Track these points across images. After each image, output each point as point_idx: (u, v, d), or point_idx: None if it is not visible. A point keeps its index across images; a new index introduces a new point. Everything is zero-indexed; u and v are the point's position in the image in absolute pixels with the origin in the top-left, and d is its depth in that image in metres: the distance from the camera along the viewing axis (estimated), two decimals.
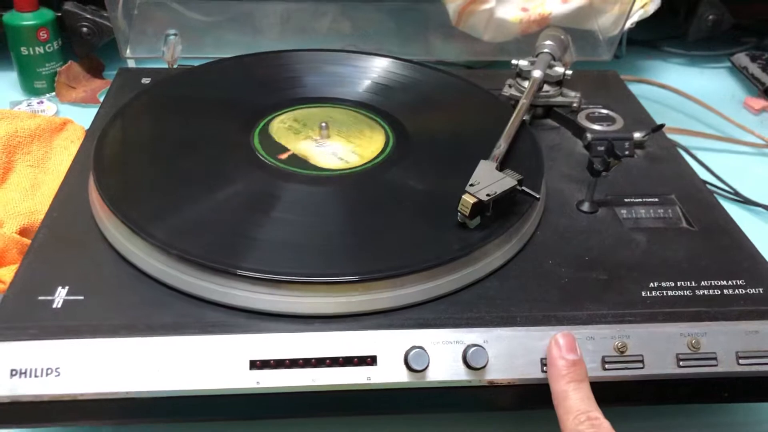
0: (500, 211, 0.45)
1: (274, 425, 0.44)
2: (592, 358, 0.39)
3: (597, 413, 0.36)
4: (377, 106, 0.59)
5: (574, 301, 0.42)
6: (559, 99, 0.61)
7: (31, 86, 0.78)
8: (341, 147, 0.53)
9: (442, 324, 0.40)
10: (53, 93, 0.78)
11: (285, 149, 0.52)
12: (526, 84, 0.61)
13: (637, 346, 0.40)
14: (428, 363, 0.39)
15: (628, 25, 0.79)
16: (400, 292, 0.41)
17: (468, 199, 0.43)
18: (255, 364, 0.38)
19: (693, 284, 0.44)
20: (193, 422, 0.42)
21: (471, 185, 0.44)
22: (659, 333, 0.40)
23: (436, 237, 0.44)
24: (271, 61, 0.65)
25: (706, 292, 0.43)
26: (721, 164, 0.68)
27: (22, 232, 0.53)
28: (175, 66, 0.71)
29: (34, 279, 0.41)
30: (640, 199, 0.51)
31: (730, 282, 0.44)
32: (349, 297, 0.40)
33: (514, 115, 0.54)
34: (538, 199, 0.46)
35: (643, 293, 0.43)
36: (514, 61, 0.63)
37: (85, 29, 0.78)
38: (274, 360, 0.38)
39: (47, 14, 0.76)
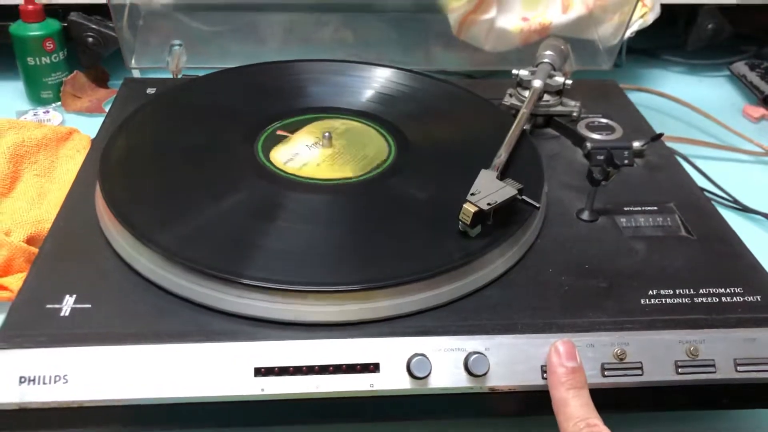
0: (501, 220, 0.46)
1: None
2: (592, 365, 0.40)
3: (596, 420, 0.37)
4: (379, 116, 0.60)
5: (574, 308, 0.43)
6: (559, 108, 0.62)
7: (37, 96, 0.79)
8: (343, 156, 0.54)
9: (444, 331, 0.41)
10: (59, 102, 0.79)
11: (289, 160, 0.53)
12: (526, 93, 0.62)
13: (636, 353, 0.40)
14: (430, 370, 0.39)
15: (627, 34, 0.79)
16: (402, 300, 0.41)
17: (469, 208, 0.44)
18: (260, 372, 0.38)
19: (691, 292, 0.44)
20: (199, 429, 0.42)
21: (472, 194, 0.45)
22: (658, 340, 0.41)
23: (437, 245, 0.45)
24: (274, 71, 0.66)
25: (704, 299, 0.44)
26: (720, 172, 0.69)
27: (29, 240, 0.54)
28: (179, 76, 0.72)
29: (43, 287, 0.42)
30: (639, 208, 0.52)
31: (728, 290, 0.44)
32: (352, 305, 0.41)
33: (514, 124, 0.55)
34: (538, 208, 0.46)
35: (643, 301, 0.43)
36: (514, 71, 0.63)
37: (90, 40, 0.79)
38: (278, 367, 0.39)
39: (53, 25, 0.77)
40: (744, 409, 0.47)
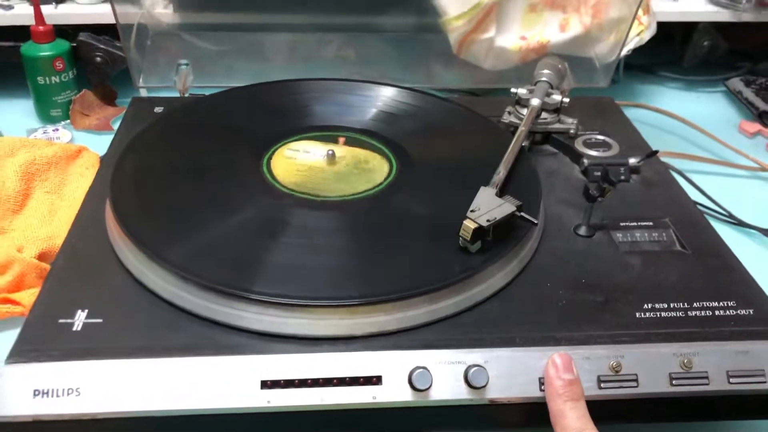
0: (500, 236, 0.47)
1: None
2: (588, 377, 0.41)
3: (593, 431, 0.38)
4: (381, 134, 0.61)
5: (571, 322, 0.44)
6: (557, 126, 0.64)
7: (47, 114, 0.81)
8: (346, 173, 0.55)
9: (445, 345, 0.42)
10: (68, 120, 0.81)
11: (292, 175, 0.54)
12: (524, 111, 0.63)
13: (631, 366, 0.42)
14: (431, 382, 0.40)
15: (624, 52, 0.81)
16: (404, 314, 0.43)
17: (469, 225, 0.45)
18: (266, 384, 0.40)
19: (686, 305, 0.45)
20: None
21: (472, 211, 0.46)
22: (653, 353, 0.42)
23: (438, 261, 0.46)
24: (278, 90, 0.67)
25: (698, 313, 0.45)
26: (716, 187, 0.70)
27: (41, 256, 0.55)
28: (186, 95, 0.73)
29: (55, 303, 0.43)
30: (635, 223, 0.53)
31: (721, 303, 0.46)
32: (355, 319, 0.42)
33: (513, 142, 0.56)
34: (536, 224, 0.48)
35: (638, 314, 0.45)
36: (513, 90, 0.65)
37: (99, 59, 0.81)
38: (284, 380, 0.40)
39: (63, 45, 0.79)
40: (737, 420, 0.48)
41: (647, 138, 0.67)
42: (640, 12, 0.81)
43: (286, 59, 0.84)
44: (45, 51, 0.78)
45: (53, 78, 0.79)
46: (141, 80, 0.76)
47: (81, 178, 0.65)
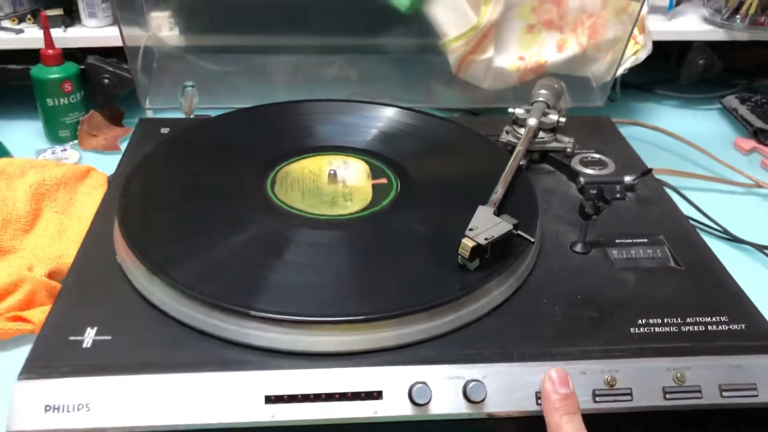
0: (498, 253, 0.48)
1: None
2: (584, 391, 0.42)
3: None
4: (382, 153, 0.63)
5: (567, 337, 0.45)
6: (554, 145, 0.65)
7: (55, 135, 0.82)
8: (347, 193, 0.57)
9: (444, 360, 0.43)
10: (76, 141, 0.82)
11: (296, 195, 0.56)
12: (522, 131, 0.65)
13: (625, 380, 0.43)
14: (431, 397, 0.41)
15: (620, 71, 0.83)
16: (404, 330, 0.44)
17: (467, 243, 0.46)
18: (270, 399, 0.41)
19: (679, 321, 0.47)
20: None
21: (470, 230, 0.48)
22: (647, 367, 0.43)
23: (437, 278, 0.47)
24: (282, 111, 0.69)
25: (691, 328, 0.46)
26: (712, 203, 0.71)
27: (51, 275, 0.57)
28: (192, 116, 0.75)
29: (65, 320, 0.45)
30: (630, 240, 0.55)
31: (713, 318, 0.47)
32: (356, 335, 0.43)
33: (510, 161, 0.58)
34: (532, 242, 0.49)
35: (632, 330, 0.46)
36: (510, 110, 0.66)
37: (106, 81, 0.83)
38: (287, 395, 0.41)
39: (72, 68, 0.81)
40: None
41: (644, 155, 0.68)
42: (636, 32, 0.83)
43: (289, 80, 0.86)
44: (54, 74, 0.79)
45: (62, 100, 0.81)
46: (148, 102, 0.78)
47: (89, 198, 0.66)
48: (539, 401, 0.42)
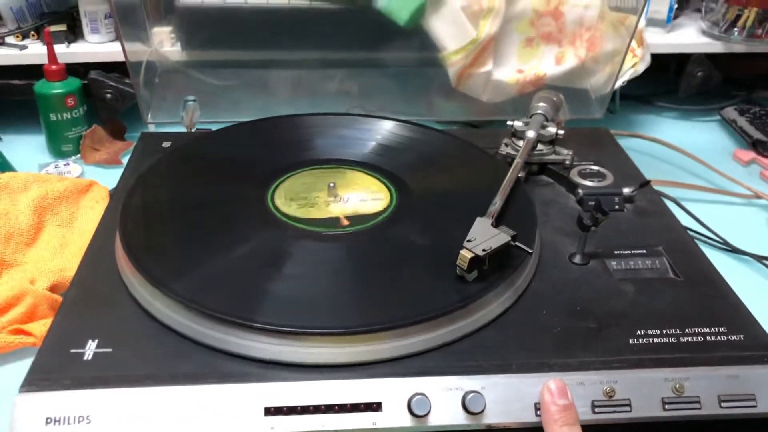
0: (496, 265, 0.48)
1: None
2: (583, 402, 0.42)
3: None
4: (381, 166, 0.63)
5: (565, 349, 0.45)
6: (553, 157, 0.65)
7: (58, 149, 0.83)
8: (346, 205, 0.57)
9: (443, 372, 0.43)
10: (79, 155, 0.83)
11: (296, 208, 0.56)
12: (520, 143, 0.65)
13: (624, 391, 0.43)
14: (430, 409, 0.41)
15: (619, 83, 0.83)
16: (403, 342, 0.44)
17: (465, 254, 0.47)
18: (269, 411, 0.41)
19: (678, 332, 0.47)
20: None
21: (468, 241, 0.48)
22: (645, 378, 0.43)
23: (436, 289, 0.48)
24: (283, 124, 0.69)
25: (690, 339, 0.46)
26: (711, 215, 0.71)
27: (53, 288, 0.57)
28: (193, 130, 0.75)
29: (67, 333, 0.45)
30: (629, 251, 0.55)
31: (712, 329, 0.47)
32: (356, 347, 0.43)
33: (509, 173, 0.58)
34: (530, 253, 0.49)
35: (631, 341, 0.46)
36: (509, 122, 0.67)
37: (109, 96, 0.84)
38: (287, 407, 0.41)
39: (75, 83, 0.82)
40: None
41: (643, 167, 0.68)
42: (634, 44, 0.84)
43: (290, 94, 0.87)
44: (57, 89, 0.80)
45: (65, 114, 0.81)
46: (149, 116, 0.79)
47: (91, 211, 0.67)
48: (538, 412, 0.42)
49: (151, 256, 0.49)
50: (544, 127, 0.66)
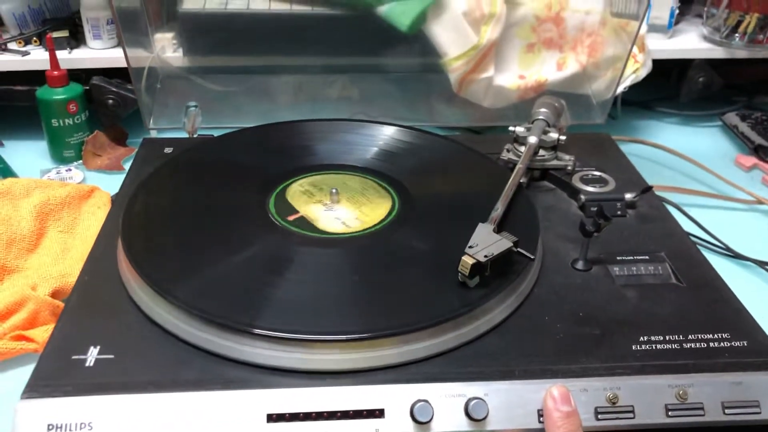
0: (499, 270, 0.48)
1: None
2: (586, 408, 0.42)
3: None
4: (384, 172, 0.63)
5: (568, 355, 0.45)
6: (554, 162, 0.65)
7: (60, 155, 0.83)
8: (347, 212, 0.57)
9: (446, 378, 0.43)
10: (80, 161, 0.83)
11: (296, 213, 0.56)
12: (522, 149, 0.65)
13: (627, 397, 0.43)
14: (432, 415, 0.41)
15: (620, 89, 0.83)
16: (405, 348, 0.44)
17: (467, 260, 0.47)
18: (272, 418, 0.41)
19: (681, 338, 0.47)
20: None
21: (470, 247, 0.48)
22: (648, 384, 0.43)
23: (439, 296, 0.48)
24: (284, 130, 0.70)
25: (693, 345, 0.46)
26: (712, 220, 0.71)
27: (54, 294, 0.57)
28: (195, 135, 0.75)
29: (68, 339, 0.45)
30: (631, 257, 0.55)
31: (715, 335, 0.47)
32: (358, 354, 0.43)
33: (510, 179, 0.58)
34: (532, 259, 0.49)
35: (634, 347, 0.46)
36: (511, 128, 0.67)
37: (111, 101, 0.84)
38: (289, 413, 0.41)
39: (77, 89, 0.82)
40: None
41: (645, 172, 0.68)
42: (636, 50, 0.84)
43: (292, 99, 0.87)
44: (59, 95, 0.80)
45: (67, 120, 0.81)
46: (151, 122, 0.79)
47: (93, 217, 0.67)
48: (541, 419, 0.42)
49: (153, 261, 0.49)
50: (545, 132, 0.66)
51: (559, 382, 0.43)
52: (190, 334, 0.45)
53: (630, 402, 0.42)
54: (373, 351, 0.43)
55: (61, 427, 0.40)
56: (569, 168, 0.65)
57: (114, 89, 0.84)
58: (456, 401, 0.42)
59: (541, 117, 0.68)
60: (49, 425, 0.40)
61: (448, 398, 0.42)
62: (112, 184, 0.72)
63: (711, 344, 0.46)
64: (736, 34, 0.91)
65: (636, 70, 0.85)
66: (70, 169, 0.81)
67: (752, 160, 0.86)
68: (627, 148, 0.77)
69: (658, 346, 0.46)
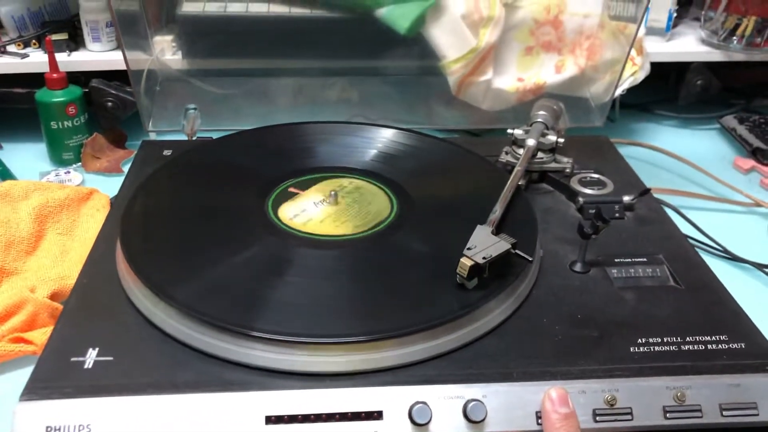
0: (498, 272, 0.48)
1: None
2: (584, 410, 0.42)
3: None
4: (382, 174, 0.63)
5: (567, 357, 0.45)
6: (553, 165, 0.66)
7: (59, 157, 0.83)
8: (348, 213, 0.57)
9: (444, 380, 0.43)
10: (79, 163, 0.83)
11: (295, 216, 0.56)
12: (521, 151, 0.65)
13: (625, 399, 0.43)
14: (431, 417, 0.41)
15: (618, 92, 0.84)
16: (404, 350, 0.44)
17: (465, 262, 0.47)
18: (270, 420, 0.41)
19: (679, 340, 0.47)
20: None
21: (468, 249, 0.48)
22: (647, 386, 0.43)
23: (437, 297, 0.48)
24: (283, 132, 0.70)
25: (691, 347, 0.46)
26: (711, 223, 0.72)
27: (53, 296, 0.57)
28: (194, 138, 0.75)
29: (67, 341, 0.45)
30: (629, 259, 0.55)
31: (713, 337, 0.47)
32: (356, 356, 0.43)
33: (509, 181, 0.58)
34: (530, 261, 0.49)
35: (632, 349, 0.46)
36: (509, 130, 0.67)
37: (110, 104, 0.84)
38: (287, 415, 0.41)
39: (76, 91, 0.82)
40: None
41: (643, 175, 0.68)
42: (634, 53, 0.84)
43: (291, 102, 0.87)
44: (58, 97, 0.80)
45: (66, 123, 0.81)
46: (150, 124, 0.79)
47: (92, 220, 0.67)
48: (539, 421, 0.42)
49: (151, 264, 0.49)
50: (544, 135, 0.66)
51: (558, 384, 0.43)
52: (188, 336, 0.45)
53: (628, 404, 0.42)
54: (372, 353, 0.43)
55: (59, 429, 0.40)
56: (567, 170, 0.65)
57: (113, 92, 0.84)
58: (454, 403, 0.42)
59: (539, 119, 0.68)
60: (47, 427, 0.40)
61: (446, 400, 0.42)
62: (111, 186, 0.72)
63: (709, 346, 0.46)
64: (734, 37, 0.91)
65: (634, 73, 0.85)
66: (69, 172, 0.81)
67: (750, 162, 0.86)
68: (625, 151, 0.77)
69: (656, 348, 0.46)
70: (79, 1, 0.85)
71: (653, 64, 0.87)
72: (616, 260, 0.55)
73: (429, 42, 0.81)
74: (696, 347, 0.46)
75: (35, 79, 0.82)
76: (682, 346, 0.46)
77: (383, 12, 0.80)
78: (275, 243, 0.53)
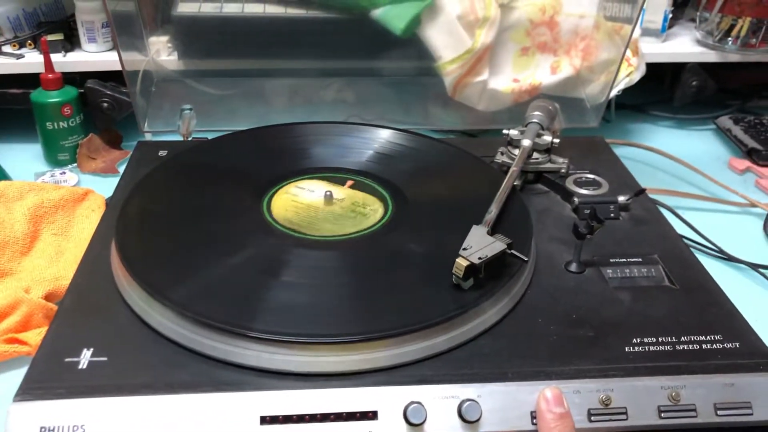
0: (493, 273, 0.48)
1: None
2: (579, 410, 0.42)
3: None
4: (378, 174, 0.63)
5: (561, 357, 0.45)
6: (548, 165, 0.66)
7: (54, 158, 0.83)
8: (342, 214, 0.57)
9: (439, 380, 0.43)
10: (75, 164, 0.83)
11: (291, 216, 0.56)
12: (516, 152, 0.65)
13: (620, 399, 0.43)
14: (426, 417, 0.41)
15: (614, 92, 0.84)
16: (399, 350, 0.44)
17: (461, 263, 0.47)
18: (265, 420, 0.41)
19: (673, 339, 0.47)
20: None
21: (464, 249, 0.48)
22: (641, 386, 0.43)
23: (432, 298, 0.48)
24: (279, 133, 0.70)
25: (685, 347, 0.46)
26: (706, 223, 0.72)
27: (48, 297, 0.57)
28: (189, 139, 0.75)
29: (61, 342, 0.45)
30: (624, 260, 0.55)
31: (708, 337, 0.47)
32: (351, 356, 0.43)
33: (504, 181, 0.58)
34: (526, 261, 0.49)
35: (627, 349, 0.46)
36: (505, 131, 0.67)
37: (105, 104, 0.84)
38: (282, 416, 0.41)
39: (71, 92, 0.82)
40: None
41: (638, 175, 0.69)
42: (629, 54, 0.84)
43: (287, 103, 0.87)
44: (54, 98, 0.80)
45: (61, 123, 0.81)
46: (146, 125, 0.79)
47: (87, 220, 0.67)
48: (534, 420, 0.42)
49: (146, 264, 0.49)
50: (539, 135, 0.66)
51: (553, 384, 0.43)
52: (183, 336, 0.45)
53: (623, 403, 0.43)
54: (367, 353, 0.43)
55: (53, 430, 0.40)
56: (563, 171, 0.65)
57: (109, 92, 0.84)
58: (449, 403, 0.42)
59: (535, 120, 0.68)
60: (41, 428, 0.40)
61: (441, 400, 0.42)
62: (106, 187, 0.72)
63: (703, 346, 0.46)
64: (729, 38, 0.92)
65: (630, 74, 0.85)
66: (64, 172, 0.81)
67: (745, 163, 0.87)
68: (620, 151, 0.77)
69: (651, 348, 0.46)
70: (74, 2, 0.85)
71: (649, 65, 0.87)
72: (611, 260, 0.55)
73: (425, 43, 0.81)
74: (691, 347, 0.46)
75: (31, 80, 0.82)
76: (677, 346, 0.46)
77: (379, 12, 0.80)
78: (270, 243, 0.53)
